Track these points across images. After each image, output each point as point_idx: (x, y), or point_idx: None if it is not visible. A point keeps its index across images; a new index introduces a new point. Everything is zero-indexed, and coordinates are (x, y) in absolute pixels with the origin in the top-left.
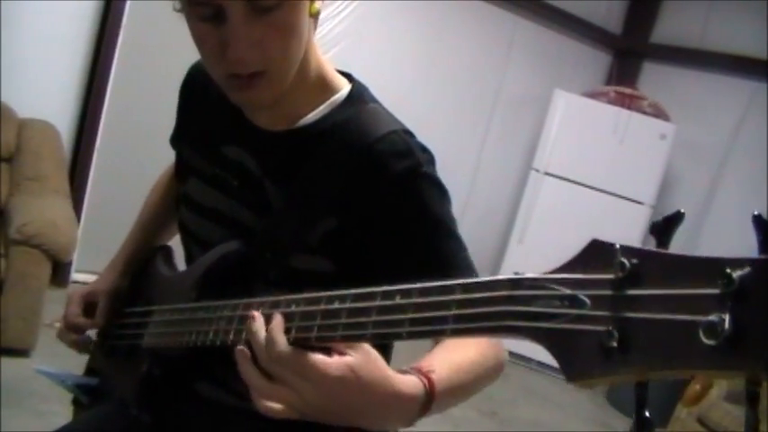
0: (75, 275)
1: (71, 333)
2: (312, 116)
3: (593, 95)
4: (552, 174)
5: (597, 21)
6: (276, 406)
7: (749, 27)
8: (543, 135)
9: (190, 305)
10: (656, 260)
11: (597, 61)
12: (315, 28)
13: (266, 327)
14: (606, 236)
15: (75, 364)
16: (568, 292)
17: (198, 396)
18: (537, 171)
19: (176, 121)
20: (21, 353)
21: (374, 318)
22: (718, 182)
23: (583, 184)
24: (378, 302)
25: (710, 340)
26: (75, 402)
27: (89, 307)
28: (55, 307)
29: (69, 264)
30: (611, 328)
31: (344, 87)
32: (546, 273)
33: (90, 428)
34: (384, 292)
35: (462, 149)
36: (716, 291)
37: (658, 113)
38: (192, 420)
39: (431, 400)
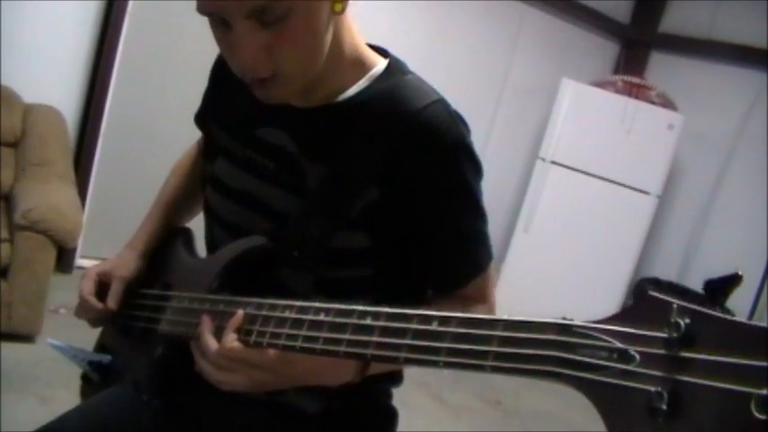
0: (80, 261)
1: (83, 310)
2: (351, 90)
3: (600, 85)
4: (559, 163)
5: (605, 10)
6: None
7: (758, 18)
8: (550, 124)
9: (210, 296)
10: (710, 322)
11: (605, 51)
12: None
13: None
14: (612, 225)
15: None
16: (618, 344)
17: (208, 384)
18: (543, 160)
19: (204, 100)
20: (25, 338)
21: (408, 341)
22: (725, 172)
23: (589, 174)
24: (414, 325)
25: (762, 414)
26: (84, 378)
27: (103, 286)
28: (60, 293)
29: (74, 249)
30: (660, 388)
31: (381, 62)
32: (596, 321)
33: (100, 412)
34: (420, 315)
35: None
36: None
37: (666, 103)
38: (201, 408)
39: (365, 371)
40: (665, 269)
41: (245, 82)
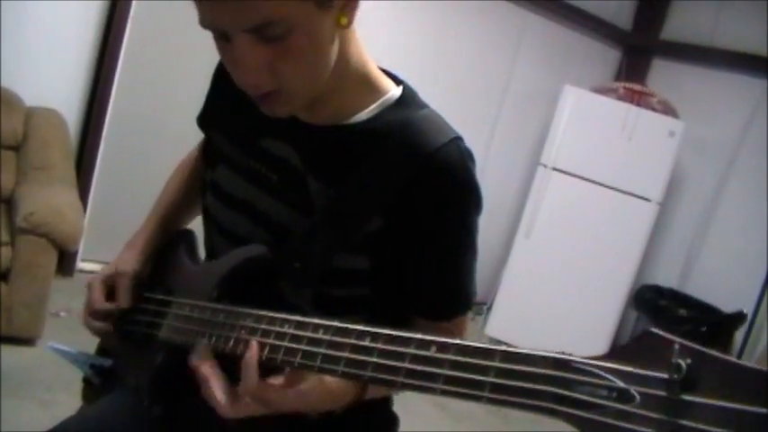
0: (81, 264)
1: (96, 321)
2: (363, 114)
3: (602, 91)
4: (560, 169)
5: (607, 17)
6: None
7: (759, 25)
8: (551, 130)
9: (211, 305)
10: (713, 364)
11: (607, 57)
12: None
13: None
14: (613, 232)
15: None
16: (618, 383)
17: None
18: (545, 166)
19: (206, 103)
20: (26, 341)
21: (407, 365)
22: (726, 180)
23: (590, 180)
24: (412, 350)
25: None
26: (86, 381)
27: (111, 290)
28: (61, 296)
29: (75, 253)
30: None
31: (394, 89)
32: (595, 358)
33: (100, 419)
34: (419, 340)
35: (470, 144)
36: None
37: (667, 110)
38: (202, 415)
39: (361, 397)
40: (665, 276)
41: (250, 96)
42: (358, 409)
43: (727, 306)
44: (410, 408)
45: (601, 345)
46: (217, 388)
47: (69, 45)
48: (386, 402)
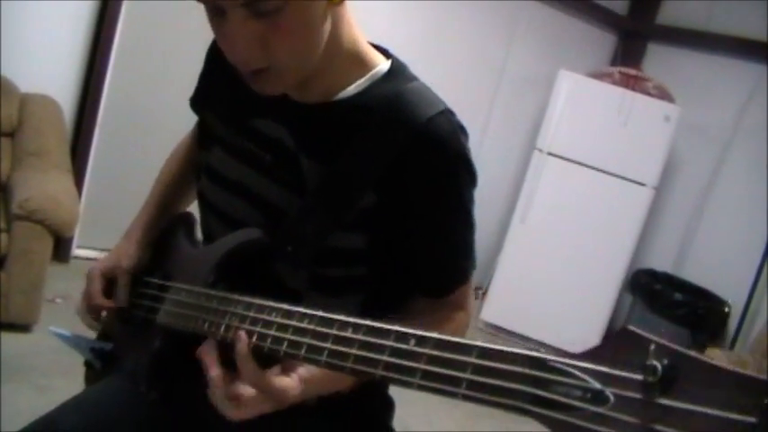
0: (77, 251)
1: (92, 313)
2: (351, 89)
3: (597, 76)
4: (555, 154)
5: (603, 1)
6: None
7: (755, 10)
8: (547, 115)
9: (205, 291)
10: (690, 366)
11: (602, 42)
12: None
13: (277, 335)
14: (608, 217)
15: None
16: (593, 384)
17: (206, 378)
18: (540, 151)
19: (199, 84)
20: (22, 328)
21: (386, 358)
22: (722, 164)
23: (586, 165)
24: (391, 342)
25: None
26: (88, 364)
27: (109, 283)
28: (56, 282)
29: (71, 239)
30: None
31: (383, 62)
32: (571, 357)
33: (98, 402)
34: (398, 332)
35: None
36: (752, 420)
37: (663, 95)
38: (198, 401)
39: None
40: (660, 260)
41: (241, 74)
42: (354, 393)
43: (722, 290)
44: (405, 391)
45: (596, 329)
46: (220, 391)
47: (64, 31)
48: (382, 386)
